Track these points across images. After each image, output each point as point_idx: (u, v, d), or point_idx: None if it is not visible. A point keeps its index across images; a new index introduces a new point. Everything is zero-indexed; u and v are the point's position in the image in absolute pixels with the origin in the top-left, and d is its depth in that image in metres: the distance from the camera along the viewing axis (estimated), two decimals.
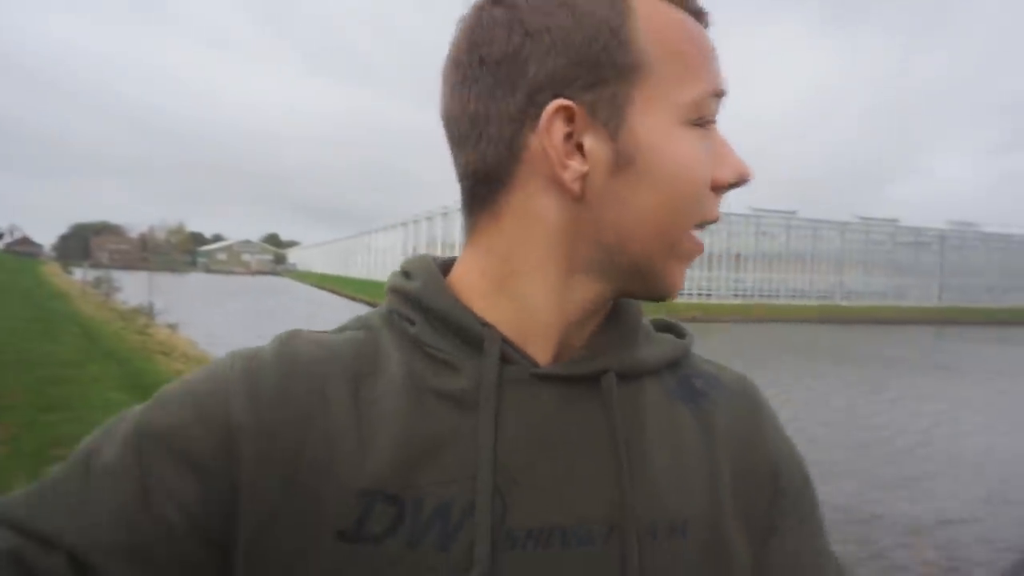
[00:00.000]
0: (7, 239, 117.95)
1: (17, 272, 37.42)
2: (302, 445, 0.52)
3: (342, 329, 0.60)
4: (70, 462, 0.52)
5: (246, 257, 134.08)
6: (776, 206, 51.43)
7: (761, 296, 46.98)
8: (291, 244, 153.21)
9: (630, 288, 0.58)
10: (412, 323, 0.57)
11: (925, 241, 52.60)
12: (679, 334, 0.65)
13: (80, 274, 32.05)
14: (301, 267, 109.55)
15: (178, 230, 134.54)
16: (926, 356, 22.33)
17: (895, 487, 7.54)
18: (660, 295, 0.58)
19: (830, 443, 9.43)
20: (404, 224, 60.56)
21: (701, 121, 0.55)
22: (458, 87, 0.56)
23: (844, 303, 47.81)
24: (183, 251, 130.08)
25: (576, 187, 0.53)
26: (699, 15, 0.57)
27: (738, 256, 46.92)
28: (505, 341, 0.56)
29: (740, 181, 0.57)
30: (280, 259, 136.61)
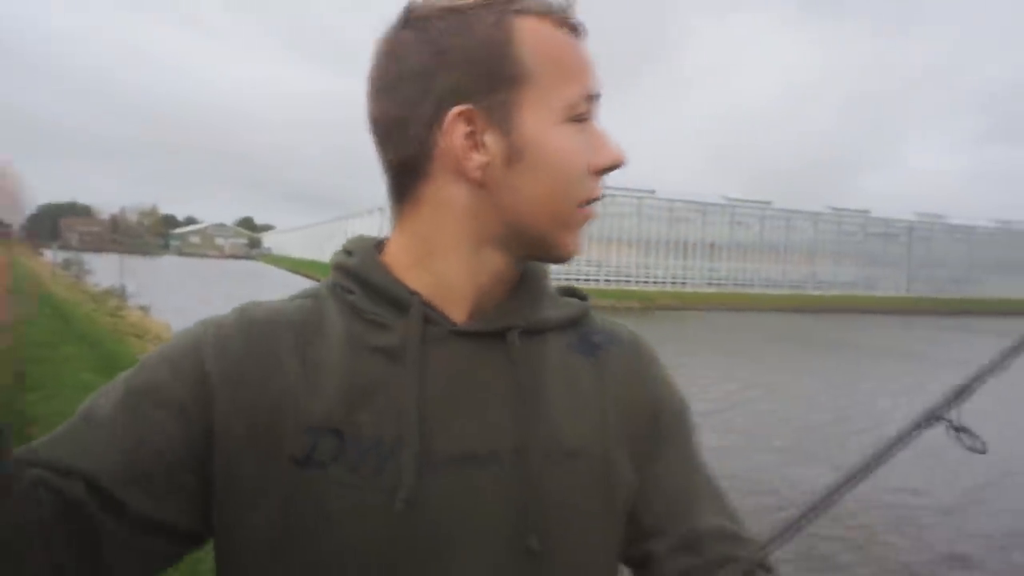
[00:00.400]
0: None
1: None
2: (262, 393, 0.63)
3: (294, 297, 0.71)
4: (73, 418, 0.63)
5: (220, 241, 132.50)
6: (751, 196, 52.11)
7: (735, 285, 47.61)
8: (266, 228, 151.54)
9: (533, 255, 0.70)
10: (352, 293, 0.68)
11: (894, 232, 53.58)
12: (581, 298, 0.78)
13: (50, 256, 31.52)
14: (277, 251, 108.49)
15: (150, 212, 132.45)
16: (895, 345, 22.86)
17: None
18: (558, 259, 0.71)
19: (800, 427, 9.71)
20: (381, 209, 60.28)
21: (578, 117, 0.66)
22: (381, 96, 0.67)
23: (816, 292, 48.60)
24: (155, 234, 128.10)
25: (479, 175, 0.64)
26: (575, 30, 0.68)
27: (713, 245, 47.45)
28: (428, 305, 0.67)
29: (614, 165, 0.68)
30: (255, 243, 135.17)
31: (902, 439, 0.67)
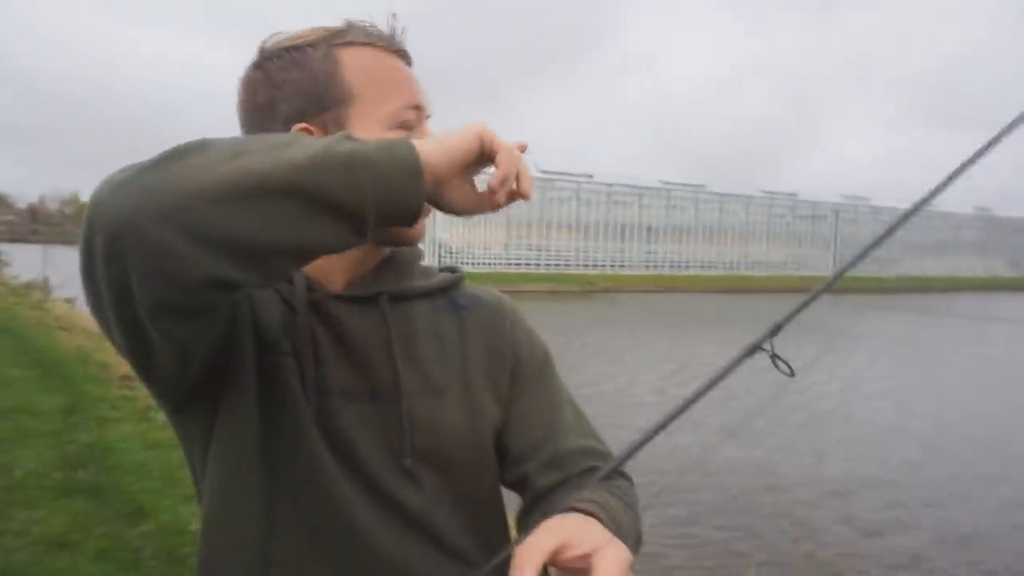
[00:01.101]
0: None
1: None
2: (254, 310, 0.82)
3: None
4: None
5: None
6: (687, 180, 53.09)
7: (672, 267, 48.63)
8: None
9: (380, 240, 0.85)
10: None
11: (821, 214, 55.50)
12: (453, 272, 0.96)
13: None
14: None
15: (72, 200, 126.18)
16: (824, 323, 23.68)
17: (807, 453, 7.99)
18: (401, 244, 0.87)
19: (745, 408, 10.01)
20: None
21: (404, 125, 0.81)
22: (244, 125, 0.83)
23: (749, 273, 50.10)
24: (78, 222, 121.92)
25: None
26: (400, 54, 0.84)
27: (650, 228, 48.28)
28: (310, 279, 0.84)
29: None
30: None
31: (731, 367, 0.78)
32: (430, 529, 0.82)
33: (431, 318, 0.88)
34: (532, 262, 42.81)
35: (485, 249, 40.85)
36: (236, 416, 0.79)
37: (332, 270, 0.85)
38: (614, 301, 32.10)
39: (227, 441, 0.79)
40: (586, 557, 0.60)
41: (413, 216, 0.67)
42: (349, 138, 0.65)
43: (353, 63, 0.81)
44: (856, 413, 10.07)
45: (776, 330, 0.78)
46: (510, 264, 41.08)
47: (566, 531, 0.62)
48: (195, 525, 3.34)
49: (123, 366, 7.88)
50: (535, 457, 0.87)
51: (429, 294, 0.90)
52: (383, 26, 0.84)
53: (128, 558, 3.39)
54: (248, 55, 0.84)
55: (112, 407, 6.16)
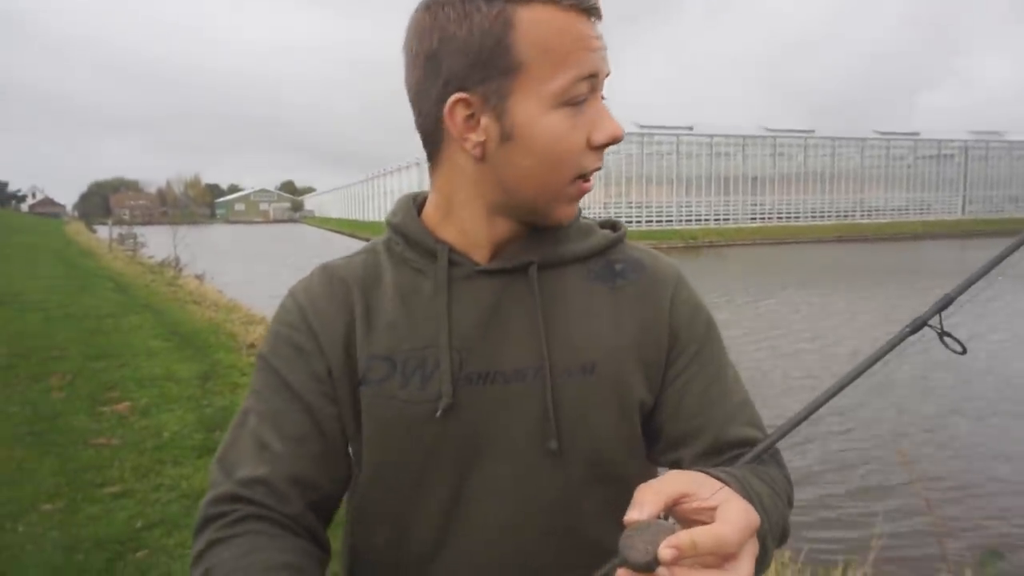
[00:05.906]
0: (30, 200, 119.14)
1: (45, 233, 38.12)
2: (346, 329, 0.80)
3: (359, 252, 0.87)
4: (238, 416, 0.82)
5: (264, 206, 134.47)
6: (795, 124, 50.19)
7: (779, 218, 46.52)
8: (307, 191, 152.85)
9: (532, 220, 0.79)
10: (398, 245, 0.83)
11: (948, 153, 51.14)
12: (615, 229, 0.88)
13: (105, 232, 32.40)
14: (319, 213, 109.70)
15: (195, 183, 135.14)
16: (956, 271, 21.98)
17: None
18: (550, 226, 0.80)
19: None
20: (418, 163, 60.17)
21: (572, 101, 0.72)
22: (407, 69, 0.76)
23: (865, 221, 47.19)
24: (201, 203, 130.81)
25: (476, 152, 0.74)
26: (587, 12, 0.71)
27: (755, 179, 46.21)
28: (454, 251, 0.79)
29: (611, 141, 0.74)
30: (297, 206, 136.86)
31: (894, 344, 0.72)
32: (574, 515, 0.79)
33: (584, 286, 0.81)
34: (632, 219, 42.09)
35: (584, 209, 40.32)
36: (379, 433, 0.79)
37: (478, 243, 0.80)
38: (716, 256, 31.10)
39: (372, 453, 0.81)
40: (710, 511, 0.55)
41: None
42: None
43: (527, 27, 0.69)
44: None
45: (947, 303, 0.71)
46: None
47: (695, 483, 0.58)
48: None
49: (250, 335, 8.47)
50: (692, 444, 0.80)
51: (584, 258, 0.83)
52: None
53: None
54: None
55: (242, 373, 6.60)
